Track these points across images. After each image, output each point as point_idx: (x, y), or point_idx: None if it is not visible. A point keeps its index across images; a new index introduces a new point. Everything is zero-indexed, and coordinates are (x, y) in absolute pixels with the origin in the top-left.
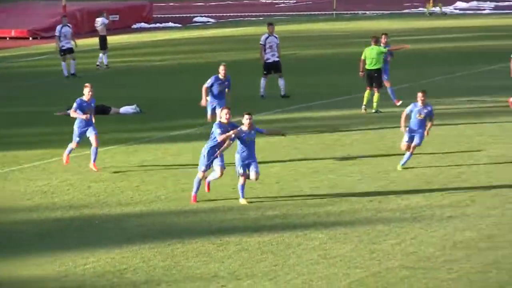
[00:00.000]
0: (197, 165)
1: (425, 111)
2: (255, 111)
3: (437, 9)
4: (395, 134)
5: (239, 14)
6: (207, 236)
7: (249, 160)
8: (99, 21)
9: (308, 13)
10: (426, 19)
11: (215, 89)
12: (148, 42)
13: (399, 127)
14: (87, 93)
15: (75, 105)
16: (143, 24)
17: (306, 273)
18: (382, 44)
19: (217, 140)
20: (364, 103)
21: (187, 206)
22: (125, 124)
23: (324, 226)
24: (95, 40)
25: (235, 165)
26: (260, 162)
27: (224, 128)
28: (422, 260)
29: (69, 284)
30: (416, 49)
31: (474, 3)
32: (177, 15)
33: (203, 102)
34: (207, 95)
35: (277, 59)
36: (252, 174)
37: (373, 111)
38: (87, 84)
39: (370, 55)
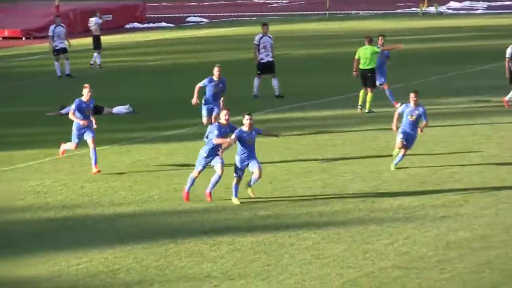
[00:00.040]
0: (191, 165)
1: (417, 112)
2: (248, 111)
3: (431, 9)
4: (388, 134)
5: (232, 14)
6: (200, 236)
7: (249, 160)
8: (93, 21)
9: (301, 13)
10: (419, 19)
11: (209, 91)
12: (141, 42)
13: (392, 129)
14: (86, 94)
15: (73, 106)
16: (136, 24)
17: (299, 273)
18: (378, 45)
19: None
20: (360, 103)
21: (180, 206)
22: (118, 124)
23: (317, 226)
24: (89, 40)
25: (234, 165)
26: None
27: (224, 129)
28: (415, 260)
29: (62, 284)
30: (409, 49)
31: (467, 3)
32: (170, 15)
33: (194, 101)
34: (198, 95)
35: (271, 59)
36: (256, 170)
37: (366, 111)
38: (86, 85)
39: (364, 55)
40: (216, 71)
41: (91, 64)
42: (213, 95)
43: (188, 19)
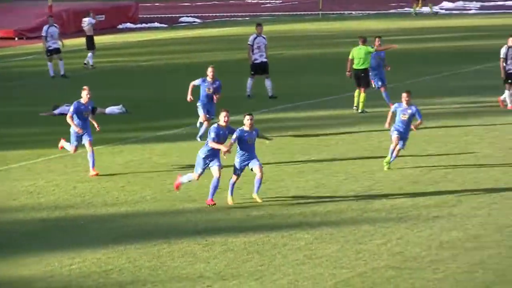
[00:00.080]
0: (184, 165)
1: (409, 111)
2: (240, 111)
3: (425, 9)
4: (381, 134)
5: (225, 14)
6: (193, 237)
7: (249, 160)
8: (86, 21)
9: (294, 13)
10: (412, 19)
11: (203, 91)
12: (134, 42)
13: (385, 127)
14: (85, 96)
15: (71, 109)
16: (129, 25)
17: (292, 273)
18: (372, 46)
19: None
20: (355, 104)
21: (173, 206)
22: (111, 125)
23: (310, 226)
24: (82, 40)
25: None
26: None
27: (223, 131)
28: (408, 260)
29: (55, 284)
30: (402, 49)
31: (460, 3)
32: (163, 15)
33: (188, 98)
34: (192, 92)
35: (265, 59)
36: (257, 169)
37: (359, 111)
38: (85, 87)
39: (358, 55)
40: (210, 71)
41: (85, 64)
42: (207, 95)
43: (181, 19)
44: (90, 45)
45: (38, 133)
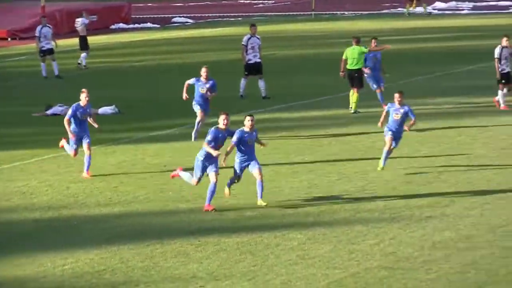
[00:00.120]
0: (176, 165)
1: (402, 110)
2: (233, 111)
3: (418, 9)
4: (374, 134)
5: (218, 14)
6: (186, 237)
7: (249, 162)
8: (79, 22)
9: (287, 13)
10: (405, 19)
11: (197, 90)
12: (127, 42)
13: (378, 128)
14: (83, 99)
15: (69, 112)
16: (121, 25)
17: (284, 273)
18: (366, 46)
19: None
20: (350, 104)
21: (166, 206)
22: (103, 125)
23: (303, 227)
24: (75, 41)
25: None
26: None
27: (222, 134)
28: (401, 260)
29: (48, 285)
30: (395, 49)
31: (452, 3)
32: (156, 16)
33: (183, 96)
34: (187, 91)
35: (258, 60)
36: (256, 172)
37: (352, 111)
38: (84, 90)
39: (352, 55)
40: (203, 71)
41: (78, 64)
42: (201, 95)
43: (174, 19)
44: (84, 45)
45: (31, 133)
